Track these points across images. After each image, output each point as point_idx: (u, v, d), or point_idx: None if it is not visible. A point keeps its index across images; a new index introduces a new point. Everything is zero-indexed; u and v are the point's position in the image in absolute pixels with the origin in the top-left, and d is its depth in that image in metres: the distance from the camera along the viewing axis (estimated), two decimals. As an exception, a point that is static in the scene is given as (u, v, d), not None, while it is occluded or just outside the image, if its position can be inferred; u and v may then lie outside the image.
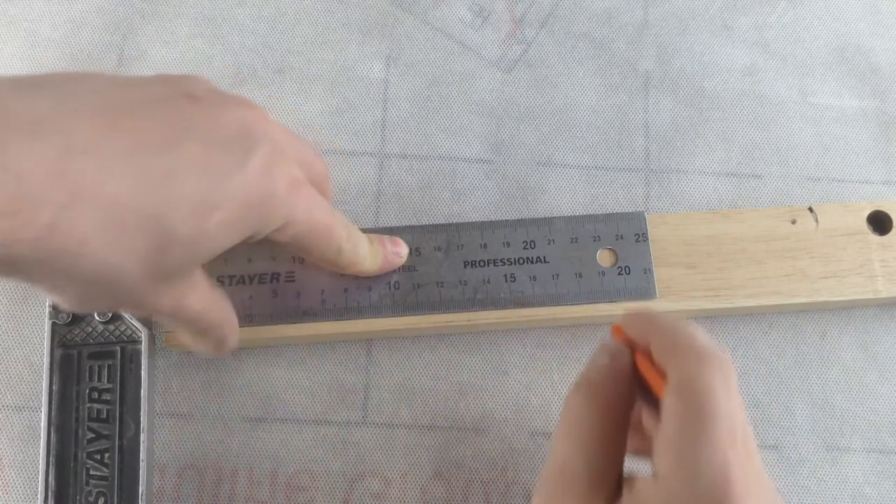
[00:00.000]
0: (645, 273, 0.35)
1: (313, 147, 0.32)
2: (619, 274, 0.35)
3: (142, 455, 0.33)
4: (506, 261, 0.35)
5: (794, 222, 0.37)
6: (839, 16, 0.43)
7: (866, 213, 0.37)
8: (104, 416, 0.33)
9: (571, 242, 0.35)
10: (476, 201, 0.39)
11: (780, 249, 0.37)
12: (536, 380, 0.37)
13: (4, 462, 0.35)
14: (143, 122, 0.24)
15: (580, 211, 0.39)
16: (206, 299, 0.28)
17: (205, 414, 0.36)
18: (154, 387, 0.35)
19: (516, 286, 0.34)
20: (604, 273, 0.35)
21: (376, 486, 0.36)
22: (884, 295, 0.36)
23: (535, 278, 0.35)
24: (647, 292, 0.35)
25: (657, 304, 0.36)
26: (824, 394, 0.37)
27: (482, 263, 0.35)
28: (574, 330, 0.37)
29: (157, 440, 0.36)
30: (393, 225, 0.37)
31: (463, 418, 0.36)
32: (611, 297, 0.34)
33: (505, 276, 0.35)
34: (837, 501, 0.36)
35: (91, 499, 0.33)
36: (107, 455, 0.33)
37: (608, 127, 0.41)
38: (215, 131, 0.25)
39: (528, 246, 0.35)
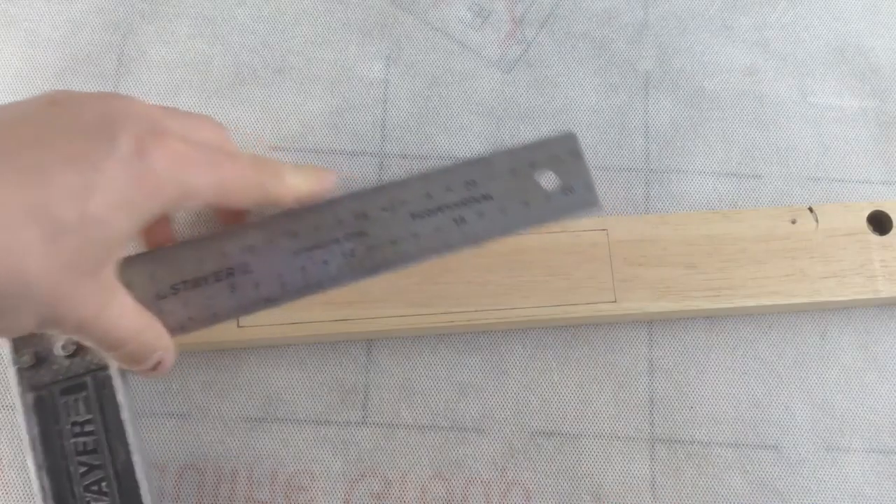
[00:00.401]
0: (587, 187, 0.34)
1: (204, 116, 0.32)
2: (564, 194, 0.34)
3: (138, 475, 0.33)
4: (452, 205, 0.34)
5: (794, 222, 0.37)
6: (839, 16, 0.43)
7: (866, 213, 0.37)
8: (91, 447, 0.33)
9: (511, 174, 0.35)
10: (476, 201, 0.39)
11: (780, 249, 0.37)
12: (536, 380, 0.37)
13: (4, 462, 0.35)
14: (11, 131, 0.26)
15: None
16: (131, 312, 0.29)
17: (205, 414, 0.36)
18: (134, 407, 0.35)
19: (467, 227, 0.34)
20: (549, 197, 0.34)
21: (376, 486, 0.36)
22: (884, 295, 0.36)
23: (483, 215, 0.34)
24: (591, 202, 0.34)
25: (655, 304, 0.36)
26: (824, 394, 0.37)
27: (430, 213, 0.34)
28: (574, 330, 0.37)
29: (158, 440, 0.36)
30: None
31: (463, 418, 0.37)
32: (558, 216, 0.34)
33: (454, 219, 0.34)
34: (837, 501, 0.36)
35: None
36: (104, 484, 0.33)
37: (608, 127, 0.41)
38: (78, 125, 0.27)
39: (470, 186, 0.34)
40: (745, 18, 0.43)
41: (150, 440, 0.36)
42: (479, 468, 0.36)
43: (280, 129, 0.40)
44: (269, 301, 0.33)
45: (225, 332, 0.35)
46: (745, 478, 0.36)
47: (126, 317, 0.29)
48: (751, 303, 0.36)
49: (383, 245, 0.33)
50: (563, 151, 0.34)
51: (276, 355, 0.37)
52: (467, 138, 0.40)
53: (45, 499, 0.32)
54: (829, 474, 0.36)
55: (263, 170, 0.32)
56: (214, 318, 0.32)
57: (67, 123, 0.27)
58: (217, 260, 0.33)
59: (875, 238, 0.37)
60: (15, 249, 0.24)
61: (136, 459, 0.33)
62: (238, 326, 0.35)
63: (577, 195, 0.34)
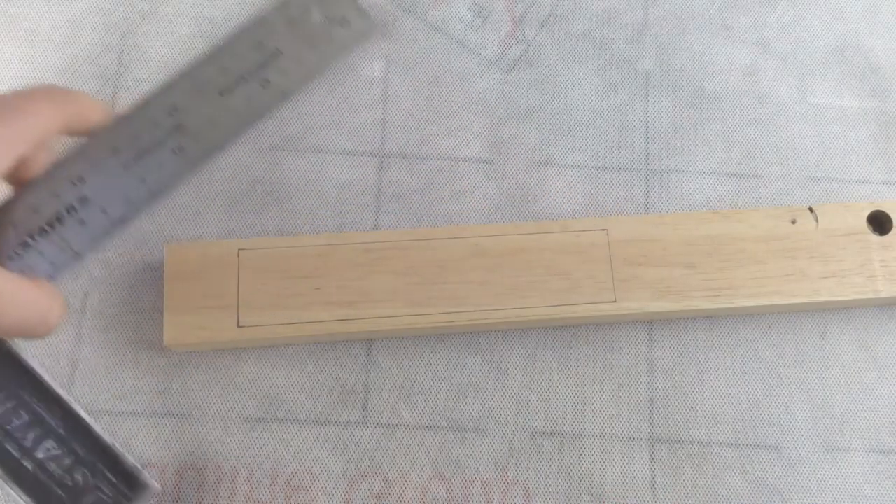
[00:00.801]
0: (360, 15, 0.34)
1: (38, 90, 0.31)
2: (343, 28, 0.34)
3: (84, 419, 0.33)
4: (251, 71, 0.34)
5: (794, 222, 0.37)
6: (839, 16, 0.43)
7: (866, 213, 0.37)
8: (26, 418, 0.33)
9: (289, 24, 0.34)
10: (476, 201, 0.39)
11: (780, 249, 0.37)
12: (536, 380, 0.37)
13: (4, 462, 0.35)
14: None
15: (580, 212, 0.39)
16: (7, 292, 0.29)
17: (205, 414, 0.36)
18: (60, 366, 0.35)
19: (273, 87, 0.34)
20: (331, 35, 0.34)
21: (376, 486, 0.36)
22: (884, 295, 0.36)
23: (284, 71, 0.34)
24: (370, 27, 0.34)
25: (655, 304, 0.36)
26: (824, 394, 0.37)
27: (235, 85, 0.34)
28: (574, 330, 0.37)
29: (158, 440, 0.36)
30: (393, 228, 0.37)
31: (463, 418, 0.37)
32: (347, 48, 0.34)
33: (259, 84, 0.34)
34: (837, 501, 0.36)
35: (70, 482, 0.33)
36: (53, 444, 0.33)
37: (608, 127, 0.41)
38: None
39: (258, 48, 0.34)
40: (745, 18, 0.43)
41: (150, 440, 0.36)
42: (479, 468, 0.36)
43: (280, 129, 0.40)
44: (123, 221, 0.32)
45: (225, 331, 0.35)
46: (745, 478, 0.36)
47: (6, 300, 0.29)
48: (750, 303, 0.36)
49: (205, 130, 0.33)
50: None
51: (276, 355, 0.37)
52: (467, 138, 0.40)
53: (11, 488, 0.32)
54: (829, 474, 0.36)
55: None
56: (77, 257, 0.32)
57: None
58: (52, 203, 0.32)
59: (875, 238, 0.37)
60: None
61: (74, 406, 0.33)
62: (238, 326, 0.35)
63: (355, 25, 0.34)
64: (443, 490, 0.36)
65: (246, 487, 0.35)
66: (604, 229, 0.37)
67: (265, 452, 0.36)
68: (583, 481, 0.36)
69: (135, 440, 0.36)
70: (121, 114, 0.32)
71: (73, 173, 0.32)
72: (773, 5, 0.43)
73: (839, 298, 0.36)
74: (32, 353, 0.36)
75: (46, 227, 0.31)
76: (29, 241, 0.31)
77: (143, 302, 0.37)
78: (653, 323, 0.38)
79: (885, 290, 0.36)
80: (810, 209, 0.37)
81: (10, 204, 0.31)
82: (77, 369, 0.36)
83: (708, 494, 0.36)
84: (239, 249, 0.36)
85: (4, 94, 0.30)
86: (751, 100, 0.41)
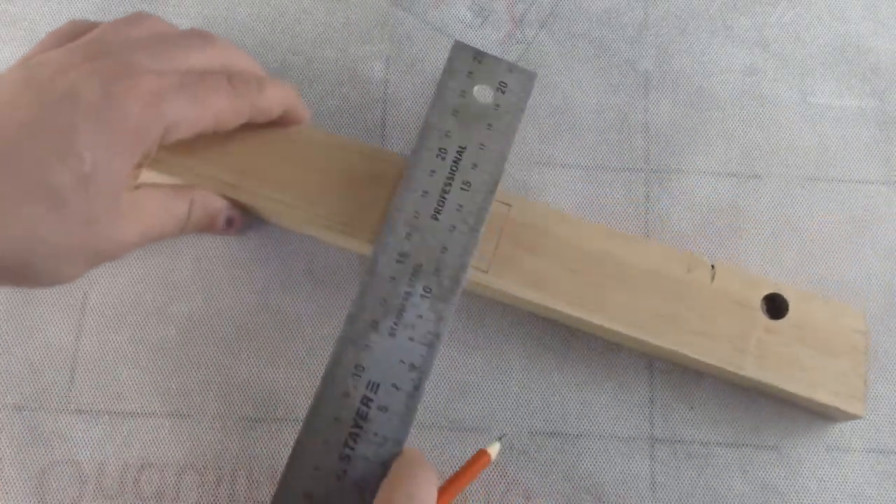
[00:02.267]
0: (515, 72, 0.36)
1: (195, 35, 0.33)
2: (500, 92, 0.36)
3: None
4: (445, 181, 0.35)
5: (689, 271, 0.35)
6: (839, 16, 0.43)
7: (766, 291, 0.35)
8: None
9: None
10: (476, 201, 0.39)
11: (664, 290, 0.35)
12: (536, 380, 0.37)
13: (5, 462, 0.35)
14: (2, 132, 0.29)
15: (580, 212, 0.39)
16: (164, 197, 0.34)
17: (204, 414, 0.36)
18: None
19: (474, 188, 0.35)
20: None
21: (376, 486, 0.35)
22: (747, 374, 0.34)
23: (475, 167, 0.35)
24: (528, 79, 0.36)
25: (520, 290, 0.35)
26: (824, 394, 0.37)
27: (442, 197, 0.35)
28: (574, 330, 0.37)
29: (158, 440, 0.36)
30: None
31: (463, 418, 0.36)
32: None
33: (462, 187, 0.35)
34: (837, 501, 0.36)
35: None
36: None
37: (608, 127, 0.41)
38: (44, 95, 0.29)
39: (443, 156, 0.35)
40: (745, 18, 0.43)
41: (150, 440, 0.36)
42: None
43: (280, 128, 0.40)
44: (417, 386, 0.32)
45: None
46: (745, 478, 0.36)
47: (161, 205, 0.32)
48: (607, 325, 0.34)
49: (440, 259, 0.33)
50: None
51: (276, 355, 0.37)
52: (467, 138, 0.40)
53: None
54: (829, 474, 0.36)
55: (245, 89, 0.33)
56: (397, 444, 0.32)
57: (36, 98, 0.28)
58: (347, 405, 0.32)
59: (763, 318, 0.35)
60: (30, 228, 0.28)
61: None
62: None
63: (512, 85, 0.36)
64: (443, 490, 0.36)
65: (246, 487, 0.35)
66: (508, 204, 0.36)
67: (265, 452, 0.36)
68: (583, 481, 0.36)
69: (135, 440, 0.36)
70: (356, 288, 0.33)
71: (349, 365, 0.32)
72: (773, 5, 0.43)
73: (698, 358, 0.34)
74: (31, 353, 0.36)
75: (355, 430, 0.31)
76: (347, 451, 0.31)
77: (143, 301, 0.37)
78: (653, 323, 0.38)
79: (749, 370, 0.34)
80: (712, 266, 0.36)
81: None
82: (77, 369, 0.36)
83: (708, 494, 0.36)
84: None
85: (257, 76, 0.34)
86: (751, 100, 0.41)
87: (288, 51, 0.41)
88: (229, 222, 0.36)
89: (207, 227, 0.35)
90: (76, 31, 0.33)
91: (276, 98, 0.34)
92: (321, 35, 0.42)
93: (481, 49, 0.36)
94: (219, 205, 0.35)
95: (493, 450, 0.32)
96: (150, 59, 0.30)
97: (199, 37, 0.33)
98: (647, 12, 0.43)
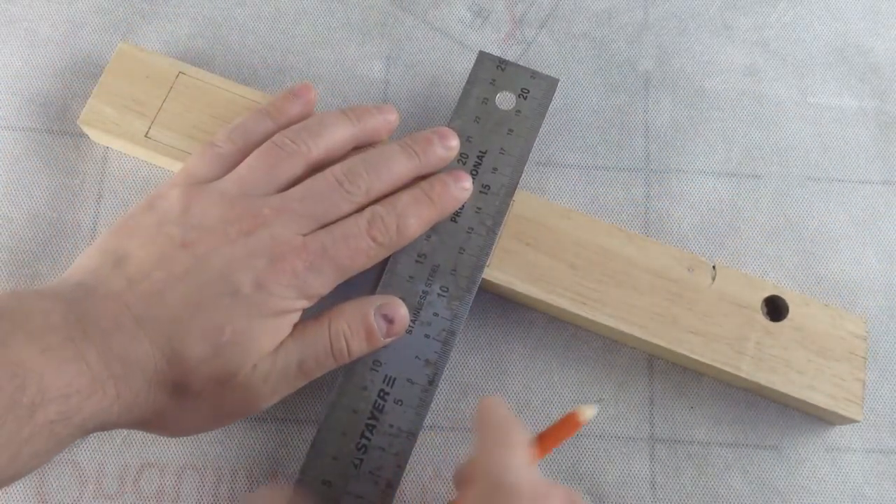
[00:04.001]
0: (538, 78, 0.37)
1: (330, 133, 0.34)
2: (522, 99, 0.37)
3: None
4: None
5: (690, 270, 0.36)
6: (839, 16, 0.43)
7: (766, 293, 0.35)
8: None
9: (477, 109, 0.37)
10: (476, 201, 0.39)
11: (665, 289, 0.35)
12: (536, 380, 0.37)
13: (4, 462, 0.35)
14: (158, 298, 0.31)
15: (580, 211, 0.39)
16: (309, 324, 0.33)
17: (205, 414, 0.36)
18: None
19: (493, 179, 0.36)
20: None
21: (376, 486, 0.35)
22: (743, 376, 0.34)
23: (496, 169, 0.36)
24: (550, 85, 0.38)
25: (521, 285, 0.35)
26: (824, 394, 0.37)
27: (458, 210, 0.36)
28: (574, 330, 0.37)
29: (157, 440, 0.36)
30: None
31: (463, 418, 0.36)
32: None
33: (481, 190, 0.36)
34: (837, 501, 0.36)
35: None
36: None
37: (608, 127, 0.41)
38: (205, 283, 0.31)
39: (464, 143, 0.36)
40: (745, 18, 0.43)
41: (150, 440, 0.36)
42: (479, 468, 0.36)
43: (280, 129, 0.40)
44: (431, 381, 0.34)
45: (133, 135, 0.37)
46: (745, 478, 0.36)
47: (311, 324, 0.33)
48: (610, 323, 0.35)
49: (456, 260, 0.35)
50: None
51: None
52: (467, 138, 0.40)
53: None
54: (829, 474, 0.36)
55: (385, 235, 0.33)
56: (411, 437, 0.33)
57: (194, 267, 0.31)
58: (363, 397, 0.33)
59: (762, 320, 0.35)
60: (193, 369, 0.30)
61: None
62: (146, 136, 0.37)
63: (534, 92, 0.38)
64: (443, 490, 0.36)
65: (246, 487, 0.35)
66: (511, 199, 0.36)
67: (265, 452, 0.36)
68: (583, 481, 0.36)
69: (135, 440, 0.36)
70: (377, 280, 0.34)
71: (368, 360, 0.33)
72: (773, 5, 0.43)
73: (696, 357, 0.34)
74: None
75: (371, 421, 0.33)
76: (364, 441, 0.33)
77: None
78: (653, 323, 0.38)
79: (746, 372, 0.34)
80: (713, 267, 0.36)
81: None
82: (77, 369, 0.36)
83: (708, 494, 0.36)
84: (179, 72, 0.38)
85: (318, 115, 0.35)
86: (751, 100, 0.41)
87: (287, 51, 0.41)
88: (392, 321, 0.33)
89: (369, 341, 0.33)
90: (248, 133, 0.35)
91: (414, 223, 0.34)
92: (321, 35, 0.42)
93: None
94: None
95: (590, 411, 0.30)
96: (298, 203, 0.32)
97: (341, 115, 0.35)
98: (647, 12, 0.43)
